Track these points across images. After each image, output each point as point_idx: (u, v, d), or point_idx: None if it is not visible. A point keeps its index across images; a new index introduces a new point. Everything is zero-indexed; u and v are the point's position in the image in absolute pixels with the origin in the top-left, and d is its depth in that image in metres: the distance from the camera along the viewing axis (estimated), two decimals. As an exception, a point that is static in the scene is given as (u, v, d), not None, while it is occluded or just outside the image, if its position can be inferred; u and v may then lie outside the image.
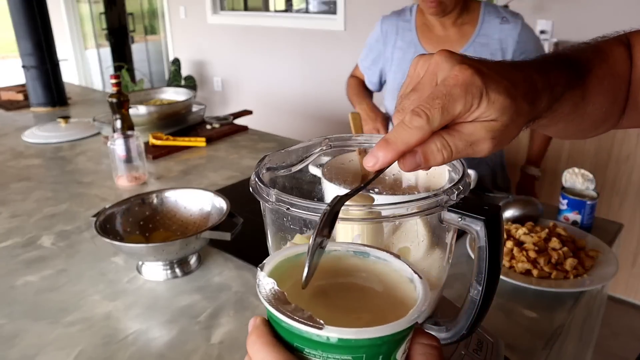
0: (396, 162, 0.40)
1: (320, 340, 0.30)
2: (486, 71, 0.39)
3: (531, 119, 0.43)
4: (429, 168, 0.40)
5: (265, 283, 0.32)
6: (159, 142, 1.73)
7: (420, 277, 0.34)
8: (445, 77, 0.38)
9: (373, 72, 1.64)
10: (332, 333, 0.29)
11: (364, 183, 0.39)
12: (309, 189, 0.71)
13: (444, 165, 0.61)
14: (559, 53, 0.52)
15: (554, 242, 0.97)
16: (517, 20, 1.40)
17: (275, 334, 0.32)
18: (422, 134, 0.37)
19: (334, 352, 0.30)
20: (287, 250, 0.37)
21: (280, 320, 0.31)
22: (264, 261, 0.34)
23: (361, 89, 1.68)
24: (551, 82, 0.45)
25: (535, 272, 0.93)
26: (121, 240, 1.01)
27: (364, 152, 0.51)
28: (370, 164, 0.38)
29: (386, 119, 1.53)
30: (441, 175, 0.62)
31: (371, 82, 1.67)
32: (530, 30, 1.41)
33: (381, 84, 1.66)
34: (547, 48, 2.50)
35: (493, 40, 1.40)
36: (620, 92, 0.55)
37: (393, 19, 1.56)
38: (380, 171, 0.38)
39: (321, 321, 0.29)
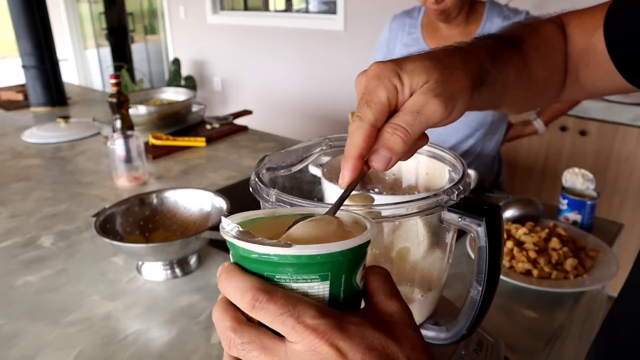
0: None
1: (288, 262, 0.30)
2: (398, 58, 0.41)
3: (476, 73, 0.44)
4: (400, 155, 0.40)
5: (230, 227, 0.33)
6: (159, 142, 1.73)
7: (371, 221, 0.36)
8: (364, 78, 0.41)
9: None
10: (300, 251, 0.30)
11: (345, 193, 0.40)
12: (309, 189, 0.71)
13: (444, 166, 0.61)
14: (489, 34, 0.55)
15: (554, 242, 0.97)
16: (519, 17, 1.41)
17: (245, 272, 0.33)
18: (363, 131, 0.38)
19: (302, 272, 0.31)
20: (251, 212, 0.38)
21: (250, 251, 0.31)
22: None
23: None
24: (484, 43, 0.49)
25: (535, 272, 0.93)
26: (121, 240, 1.00)
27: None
28: (341, 181, 0.39)
29: None
30: (441, 175, 0.62)
31: None
32: None
33: None
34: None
35: None
36: (556, 61, 0.59)
37: (402, 17, 1.58)
38: (355, 182, 0.39)
39: (288, 242, 0.30)
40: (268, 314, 0.30)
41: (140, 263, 1.02)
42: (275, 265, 0.31)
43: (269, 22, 4.34)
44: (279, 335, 0.30)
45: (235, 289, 0.31)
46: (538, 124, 1.64)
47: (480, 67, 0.45)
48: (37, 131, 1.95)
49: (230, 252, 0.34)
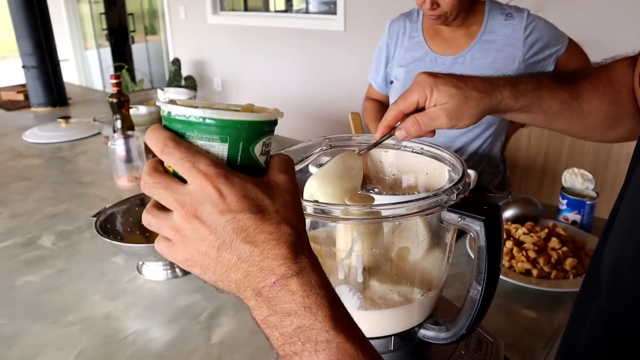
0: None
1: (195, 121, 0.37)
2: (440, 75, 0.61)
3: (495, 104, 0.62)
4: (413, 137, 0.62)
5: (162, 97, 0.42)
6: (159, 142, 1.73)
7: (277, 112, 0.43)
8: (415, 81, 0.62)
9: (383, 77, 1.64)
10: (205, 112, 0.37)
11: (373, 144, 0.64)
12: (309, 189, 0.71)
13: (444, 166, 0.62)
14: (552, 71, 0.66)
15: (554, 242, 0.97)
16: (522, 15, 1.39)
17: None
18: (393, 113, 0.63)
19: (205, 133, 0.38)
20: (193, 101, 0.43)
21: (168, 112, 0.39)
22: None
23: (379, 115, 1.67)
24: (515, 81, 0.63)
25: (535, 272, 0.93)
26: (121, 240, 1.01)
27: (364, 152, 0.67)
28: (376, 137, 0.64)
29: None
30: (441, 175, 0.62)
31: (381, 88, 1.67)
32: (539, 20, 1.40)
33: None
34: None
35: (499, 37, 1.40)
36: (619, 95, 0.66)
37: (401, 20, 1.56)
38: (383, 139, 0.64)
39: (196, 105, 0.38)
40: (172, 157, 0.37)
41: (140, 263, 1.02)
42: (185, 123, 0.38)
43: (269, 22, 4.34)
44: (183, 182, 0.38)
45: (153, 139, 0.38)
46: None
47: (496, 102, 0.62)
48: (38, 131, 1.95)
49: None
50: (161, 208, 0.39)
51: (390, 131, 0.63)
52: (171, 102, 0.39)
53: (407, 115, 0.62)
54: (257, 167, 0.41)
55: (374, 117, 1.67)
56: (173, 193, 0.37)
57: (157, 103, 0.40)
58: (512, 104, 0.62)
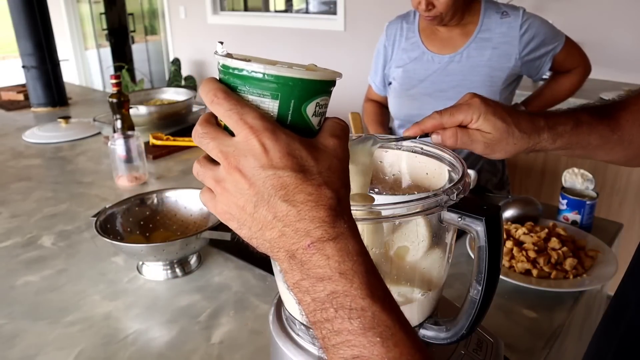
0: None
1: (247, 75, 0.37)
2: (492, 103, 0.61)
3: (531, 146, 0.63)
4: (444, 145, 0.61)
5: (221, 50, 0.40)
6: (159, 142, 1.73)
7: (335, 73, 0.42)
8: (465, 100, 0.62)
9: (381, 78, 1.65)
10: (257, 67, 0.37)
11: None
12: (309, 189, 0.71)
13: (444, 166, 0.62)
14: (591, 104, 0.68)
15: (554, 242, 0.97)
16: (517, 13, 1.40)
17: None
18: (434, 122, 0.61)
19: (256, 87, 0.38)
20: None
21: (223, 64, 0.39)
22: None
23: (378, 117, 1.68)
24: (554, 122, 0.63)
25: (535, 272, 0.93)
26: (121, 240, 1.01)
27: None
28: (405, 133, 0.63)
29: None
30: (441, 175, 0.62)
31: (380, 89, 1.67)
32: (534, 17, 1.41)
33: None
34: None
35: (495, 35, 1.41)
36: None
37: (398, 21, 1.57)
38: (411, 137, 0.63)
39: (250, 59, 0.38)
40: (221, 109, 0.37)
41: (140, 263, 1.02)
42: (237, 77, 0.38)
43: (269, 22, 4.34)
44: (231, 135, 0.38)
45: (205, 89, 0.38)
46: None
47: (532, 145, 0.63)
48: (38, 131, 1.95)
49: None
50: (211, 160, 0.39)
51: (420, 133, 0.64)
52: (228, 55, 0.39)
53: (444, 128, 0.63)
54: (309, 128, 0.40)
55: (373, 119, 1.68)
56: (219, 144, 0.37)
57: (215, 56, 0.39)
58: (549, 145, 0.63)
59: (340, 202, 0.37)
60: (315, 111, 0.40)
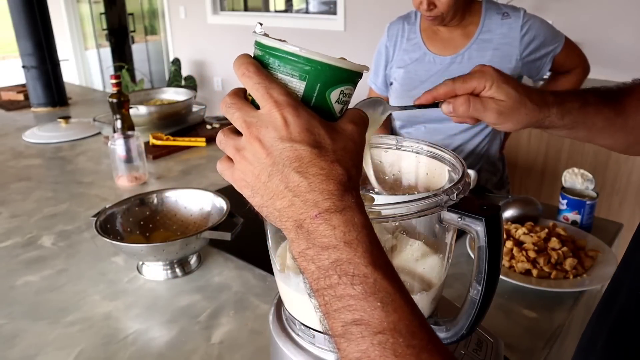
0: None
1: (279, 55, 0.40)
2: (504, 73, 0.62)
3: (541, 119, 0.63)
4: (456, 114, 0.62)
5: (259, 29, 0.42)
6: (159, 142, 1.73)
7: (363, 66, 0.44)
8: (478, 69, 0.63)
9: (382, 79, 1.64)
10: (289, 47, 0.40)
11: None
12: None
13: (444, 166, 0.62)
14: (597, 87, 0.69)
15: (554, 242, 0.97)
16: (518, 14, 1.41)
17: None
18: (447, 89, 0.62)
19: (287, 66, 0.40)
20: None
21: (258, 42, 0.42)
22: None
23: None
24: (562, 100, 0.64)
25: (535, 272, 0.93)
26: (121, 240, 1.01)
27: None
28: (416, 102, 0.63)
29: None
30: (441, 175, 0.62)
31: (381, 90, 1.67)
32: (535, 19, 1.41)
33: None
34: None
35: (496, 36, 1.41)
36: None
37: (399, 22, 1.57)
38: (423, 106, 0.64)
39: (286, 40, 0.40)
40: (250, 81, 0.40)
41: (140, 263, 1.02)
42: (270, 55, 0.41)
43: (269, 22, 4.34)
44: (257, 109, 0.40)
45: (237, 63, 0.41)
46: None
47: (542, 118, 0.63)
48: (38, 131, 1.95)
49: None
50: (235, 131, 0.42)
51: (432, 103, 0.64)
52: (265, 34, 0.41)
53: (456, 96, 0.63)
54: (330, 112, 0.42)
55: None
56: (244, 114, 0.40)
57: (252, 34, 0.42)
58: (557, 121, 0.64)
59: (350, 179, 0.39)
60: (339, 98, 0.42)
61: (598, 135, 0.68)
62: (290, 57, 0.40)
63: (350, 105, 0.45)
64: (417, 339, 0.34)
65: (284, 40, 0.40)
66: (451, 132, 1.50)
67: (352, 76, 0.42)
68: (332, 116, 0.42)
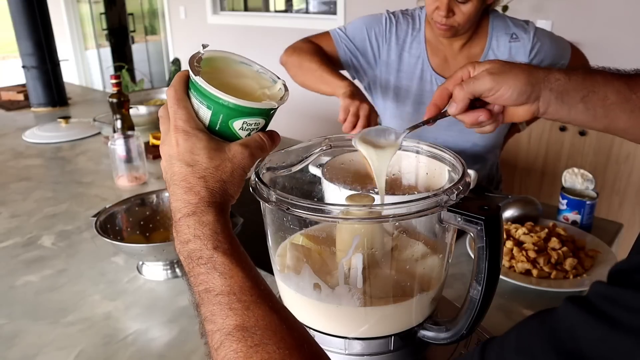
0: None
1: (194, 83, 0.49)
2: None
3: (536, 78, 0.61)
4: (460, 103, 0.63)
5: (202, 52, 0.52)
6: (159, 142, 1.73)
7: (284, 84, 0.54)
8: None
9: (351, 50, 1.40)
10: (200, 80, 0.48)
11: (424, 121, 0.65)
12: (309, 189, 0.71)
13: (444, 166, 0.62)
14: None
15: (554, 242, 0.97)
16: (527, 35, 1.31)
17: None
18: (440, 91, 0.66)
19: (199, 96, 0.49)
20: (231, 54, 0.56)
21: (189, 69, 0.50)
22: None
23: (324, 58, 1.34)
24: (561, 68, 0.64)
25: (535, 272, 0.93)
26: (121, 240, 1.01)
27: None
28: (424, 118, 0.65)
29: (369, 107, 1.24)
30: (441, 175, 0.62)
31: (344, 51, 1.41)
32: (544, 39, 1.32)
33: (351, 67, 1.42)
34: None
35: (503, 58, 1.31)
36: None
37: (405, 23, 1.40)
38: (433, 119, 0.66)
39: (199, 70, 0.50)
40: (168, 102, 0.52)
41: (140, 263, 1.02)
42: (190, 81, 0.51)
43: (269, 22, 4.34)
44: None
45: (172, 83, 0.53)
46: (521, 125, 1.60)
47: (543, 76, 0.62)
48: (38, 131, 1.95)
49: None
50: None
51: (440, 112, 0.66)
52: (197, 59, 0.51)
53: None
54: (235, 136, 0.51)
55: (327, 63, 1.32)
56: (162, 124, 0.53)
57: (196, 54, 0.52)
58: (562, 79, 0.62)
59: (212, 193, 0.49)
60: (242, 127, 0.50)
61: (615, 114, 0.63)
62: (200, 90, 0.48)
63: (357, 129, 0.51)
64: (247, 295, 0.44)
65: (198, 71, 0.49)
66: (450, 139, 1.39)
67: (252, 112, 0.49)
68: (237, 139, 0.51)
